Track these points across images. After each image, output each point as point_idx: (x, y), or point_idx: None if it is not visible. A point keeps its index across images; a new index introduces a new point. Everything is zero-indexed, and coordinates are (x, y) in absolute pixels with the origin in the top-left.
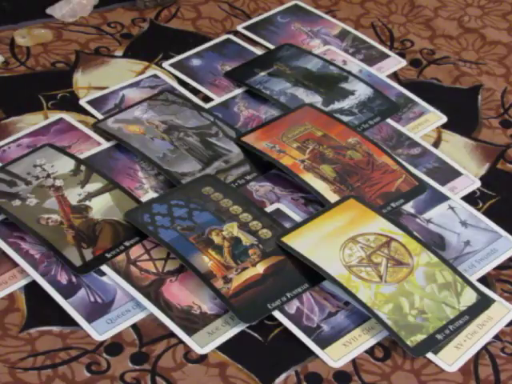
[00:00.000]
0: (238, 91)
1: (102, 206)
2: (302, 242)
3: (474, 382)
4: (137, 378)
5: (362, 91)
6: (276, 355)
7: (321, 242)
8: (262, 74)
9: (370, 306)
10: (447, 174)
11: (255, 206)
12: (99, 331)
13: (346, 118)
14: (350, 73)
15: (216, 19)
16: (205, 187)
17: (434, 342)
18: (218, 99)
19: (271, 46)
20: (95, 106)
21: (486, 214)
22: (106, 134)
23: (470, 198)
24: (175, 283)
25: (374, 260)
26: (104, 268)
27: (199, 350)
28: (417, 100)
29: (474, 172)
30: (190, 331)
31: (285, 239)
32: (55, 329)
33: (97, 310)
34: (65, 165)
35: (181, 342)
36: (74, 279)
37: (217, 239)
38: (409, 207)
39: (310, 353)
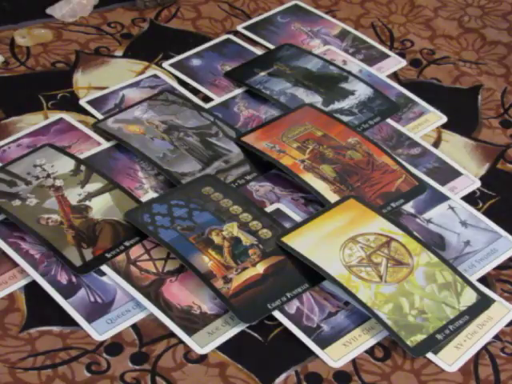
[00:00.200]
0: (238, 91)
1: (102, 206)
2: (302, 242)
3: (474, 382)
4: (137, 377)
5: (361, 91)
6: (276, 355)
7: (321, 242)
8: (262, 74)
9: (370, 306)
10: (447, 174)
11: (255, 206)
12: (99, 331)
13: (346, 118)
14: (350, 73)
15: (216, 19)
16: (205, 187)
17: (434, 342)
18: (217, 99)
19: (271, 46)
20: (95, 106)
21: (486, 214)
22: (106, 134)
23: (469, 198)
24: (175, 283)
25: (374, 260)
26: (104, 268)
27: (199, 350)
28: (417, 100)
29: (474, 172)
30: (190, 331)
31: (285, 239)
32: (55, 329)
33: (97, 310)
34: (65, 165)
35: (181, 341)
36: (74, 279)
37: (217, 239)
38: (409, 207)
39: (310, 353)
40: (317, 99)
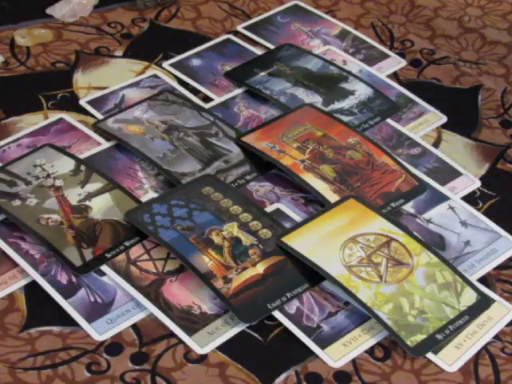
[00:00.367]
0: (238, 91)
1: (102, 206)
2: (302, 242)
3: (474, 382)
4: (137, 377)
5: (362, 91)
6: (276, 355)
7: (321, 242)
8: (262, 73)
9: (370, 306)
10: (447, 174)
11: (255, 206)
12: (99, 331)
13: (346, 118)
14: (350, 73)
15: (216, 19)
16: (205, 187)
17: (434, 342)
18: (218, 99)
19: (271, 46)
20: (95, 106)
21: (486, 214)
22: (106, 134)
23: (470, 198)
24: (175, 283)
25: (374, 260)
26: (104, 268)
27: (199, 350)
28: (417, 100)
29: (474, 172)
30: (190, 331)
31: (285, 239)
32: (55, 329)
33: (97, 310)
34: (65, 165)
35: (181, 341)
36: (74, 279)
37: (217, 239)
38: (409, 207)
39: (310, 353)
40: (317, 99)
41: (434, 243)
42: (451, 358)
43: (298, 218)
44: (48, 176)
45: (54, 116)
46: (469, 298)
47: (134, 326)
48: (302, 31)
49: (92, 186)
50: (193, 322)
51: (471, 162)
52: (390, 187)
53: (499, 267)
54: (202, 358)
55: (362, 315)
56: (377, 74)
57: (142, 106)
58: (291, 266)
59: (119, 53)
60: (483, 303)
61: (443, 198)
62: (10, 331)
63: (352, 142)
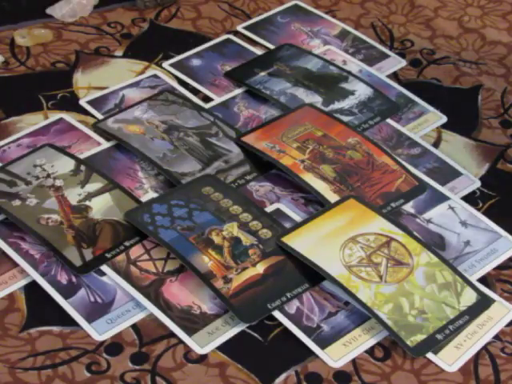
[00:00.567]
0: (238, 91)
1: (102, 206)
2: (301, 242)
3: (474, 381)
4: (137, 378)
5: (362, 91)
6: (276, 355)
7: (321, 242)
8: (262, 74)
9: (370, 306)
10: (447, 174)
11: (255, 206)
12: (99, 331)
13: (346, 118)
14: (350, 73)
15: (216, 19)
16: (205, 187)
17: (434, 342)
18: (218, 99)
19: (271, 46)
20: (95, 106)
21: (486, 214)
22: (106, 134)
23: (469, 198)
24: (175, 283)
25: (374, 260)
26: (104, 268)
27: (199, 350)
28: (417, 100)
29: (474, 172)
30: (190, 331)
31: (285, 239)
32: (55, 329)
33: (97, 310)
34: (65, 165)
35: (181, 342)
36: (74, 279)
37: (217, 239)
38: (409, 207)
39: (310, 353)
40: (317, 99)
41: (434, 243)
42: (451, 357)
43: (298, 218)
44: (48, 176)
45: (54, 116)
46: (469, 298)
47: (134, 326)
48: (302, 31)
49: (92, 186)
50: (193, 322)
51: (471, 161)
52: (390, 187)
53: (499, 267)
54: (202, 358)
55: (361, 315)
56: (377, 74)
57: (142, 105)
58: (291, 265)
59: (119, 53)
60: (483, 303)
61: (443, 197)
62: (9, 331)
63: (352, 142)
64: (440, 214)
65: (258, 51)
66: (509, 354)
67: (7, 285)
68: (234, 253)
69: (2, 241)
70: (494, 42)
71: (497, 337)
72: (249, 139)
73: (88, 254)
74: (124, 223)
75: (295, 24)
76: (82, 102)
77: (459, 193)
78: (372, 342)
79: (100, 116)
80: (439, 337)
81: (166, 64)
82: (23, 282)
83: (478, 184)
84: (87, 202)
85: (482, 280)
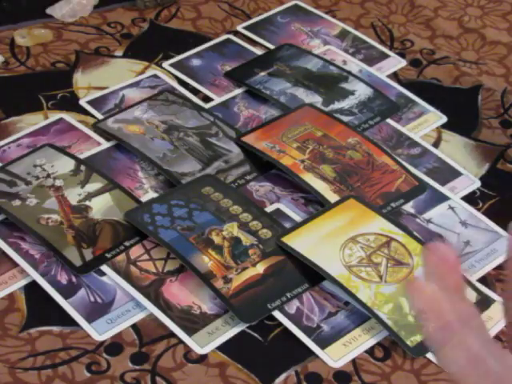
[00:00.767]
0: (238, 91)
1: (102, 206)
2: (302, 242)
3: None
4: (137, 378)
5: (362, 91)
6: (276, 355)
7: (321, 242)
8: (262, 74)
9: (370, 306)
10: (447, 174)
11: (255, 206)
12: (99, 331)
13: (346, 118)
14: (350, 73)
15: (216, 19)
16: (205, 187)
17: None
18: (218, 99)
19: (271, 46)
20: (95, 106)
21: (486, 214)
22: (106, 134)
23: (469, 198)
24: (175, 283)
25: (374, 260)
26: (104, 268)
27: (199, 350)
28: (417, 100)
29: (474, 172)
30: (190, 331)
31: (285, 239)
32: (55, 329)
33: (97, 310)
34: (65, 165)
35: (181, 342)
36: (74, 279)
37: (217, 239)
38: (409, 207)
39: (310, 353)
40: (317, 99)
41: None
42: None
43: (298, 218)
44: (48, 176)
45: (54, 116)
46: (469, 298)
47: (134, 326)
48: (302, 31)
49: (92, 186)
50: (193, 322)
51: (471, 161)
52: (390, 187)
53: (499, 267)
54: (202, 358)
55: (362, 315)
56: (377, 74)
57: (142, 105)
58: (291, 265)
59: (119, 53)
60: (483, 303)
61: (443, 197)
62: (9, 331)
63: (352, 142)
64: (440, 214)
65: (258, 51)
66: None
67: (7, 285)
68: (233, 253)
69: (2, 241)
70: (494, 42)
71: (497, 337)
72: (249, 139)
73: (88, 254)
74: (124, 223)
75: (295, 24)
76: (82, 102)
77: (459, 193)
78: (372, 341)
79: (100, 116)
80: None
81: (166, 64)
82: (23, 282)
83: (478, 184)
84: (87, 202)
85: (482, 280)
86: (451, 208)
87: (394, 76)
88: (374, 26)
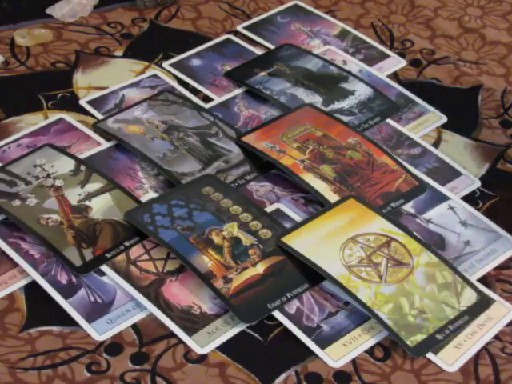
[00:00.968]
0: (238, 91)
1: (102, 206)
2: (301, 242)
3: (474, 381)
4: (137, 378)
5: (362, 91)
6: (276, 355)
7: (321, 242)
8: (262, 74)
9: (370, 306)
10: (447, 174)
11: (255, 206)
12: (99, 331)
13: (346, 118)
14: (350, 73)
15: (216, 19)
16: (205, 187)
17: (434, 342)
18: (218, 99)
19: (271, 46)
20: (95, 106)
21: (486, 214)
22: (106, 134)
23: (469, 198)
24: (175, 283)
25: (374, 260)
26: (104, 268)
27: (199, 350)
28: (417, 100)
29: (474, 172)
30: (190, 331)
31: (285, 239)
32: (55, 329)
33: (97, 310)
34: (65, 165)
35: (181, 342)
36: (74, 279)
37: (217, 239)
38: (409, 207)
39: (310, 353)
40: (317, 99)
41: (434, 243)
42: (451, 357)
43: (298, 218)
44: (48, 176)
45: (54, 116)
46: (469, 298)
47: (134, 326)
48: (302, 31)
49: (92, 186)
50: (193, 322)
51: (471, 161)
52: (390, 187)
53: (499, 267)
54: (202, 358)
55: (362, 315)
56: (377, 74)
57: (142, 105)
58: (291, 265)
59: (119, 53)
60: (483, 303)
61: (443, 197)
62: (10, 331)
63: (352, 142)
64: (440, 214)
65: (258, 51)
66: (509, 354)
67: (7, 285)
68: (234, 253)
69: (2, 241)
70: (494, 42)
71: (497, 337)
72: (249, 139)
73: (88, 254)
74: (124, 223)
75: (295, 24)
76: (82, 102)
77: (459, 193)
78: (372, 342)
79: (100, 116)
80: (439, 337)
81: (166, 64)
82: (23, 282)
83: (478, 184)
84: (87, 202)
85: (482, 280)
86: (451, 208)
87: (394, 76)
88: (374, 26)
